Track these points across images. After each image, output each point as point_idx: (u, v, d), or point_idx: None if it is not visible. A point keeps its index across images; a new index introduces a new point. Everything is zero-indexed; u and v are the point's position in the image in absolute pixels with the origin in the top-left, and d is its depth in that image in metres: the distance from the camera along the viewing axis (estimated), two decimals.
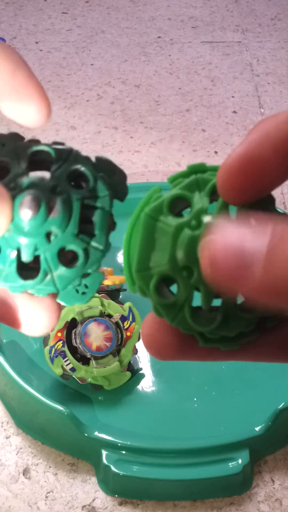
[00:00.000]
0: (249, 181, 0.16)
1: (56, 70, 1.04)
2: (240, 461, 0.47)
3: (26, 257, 0.18)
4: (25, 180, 0.18)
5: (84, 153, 0.19)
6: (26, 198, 0.17)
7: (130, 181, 0.81)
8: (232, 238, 0.15)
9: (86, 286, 0.19)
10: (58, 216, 0.18)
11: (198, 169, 0.18)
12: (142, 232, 0.18)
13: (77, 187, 0.18)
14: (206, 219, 0.17)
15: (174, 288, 0.18)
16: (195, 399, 0.53)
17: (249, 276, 0.14)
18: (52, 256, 0.18)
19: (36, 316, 0.20)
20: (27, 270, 0.19)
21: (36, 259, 0.18)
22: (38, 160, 0.19)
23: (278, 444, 0.51)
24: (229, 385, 0.54)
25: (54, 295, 0.19)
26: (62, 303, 0.19)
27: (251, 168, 0.16)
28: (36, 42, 1.13)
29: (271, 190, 0.17)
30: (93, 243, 0.19)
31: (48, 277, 0.18)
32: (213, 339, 0.18)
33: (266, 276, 0.14)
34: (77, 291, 0.19)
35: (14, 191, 0.18)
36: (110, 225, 0.19)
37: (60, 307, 0.20)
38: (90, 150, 0.84)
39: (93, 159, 0.19)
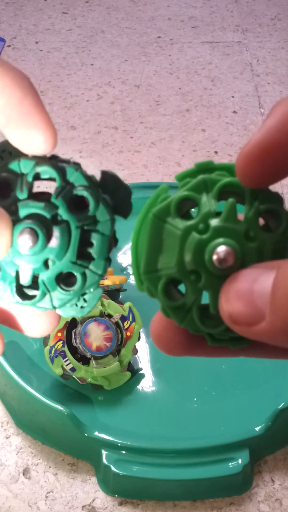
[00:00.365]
0: (268, 167, 0.16)
1: (56, 70, 1.04)
2: (240, 461, 0.47)
3: (24, 281, 0.19)
4: (26, 205, 0.18)
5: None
6: (26, 230, 0.18)
7: (130, 181, 0.80)
8: (242, 281, 0.16)
9: (85, 300, 0.19)
10: (56, 246, 0.18)
11: (206, 167, 0.18)
12: (150, 233, 0.18)
13: (79, 207, 0.19)
14: (214, 223, 0.17)
15: (182, 287, 0.18)
16: (195, 399, 0.53)
17: (260, 316, 0.15)
18: (50, 281, 0.19)
19: (37, 321, 0.20)
20: (26, 289, 0.19)
21: (36, 277, 0.19)
22: (42, 178, 0.19)
23: (278, 444, 0.51)
24: (229, 385, 0.54)
25: None
26: (61, 314, 0.20)
27: (269, 154, 0.16)
28: (36, 42, 1.13)
29: None
30: (91, 267, 0.19)
31: (47, 297, 0.19)
32: (222, 339, 0.18)
33: (274, 314, 0.15)
34: (76, 305, 0.19)
35: (15, 216, 0.18)
36: (111, 244, 0.19)
37: None
38: (90, 150, 0.84)
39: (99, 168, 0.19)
